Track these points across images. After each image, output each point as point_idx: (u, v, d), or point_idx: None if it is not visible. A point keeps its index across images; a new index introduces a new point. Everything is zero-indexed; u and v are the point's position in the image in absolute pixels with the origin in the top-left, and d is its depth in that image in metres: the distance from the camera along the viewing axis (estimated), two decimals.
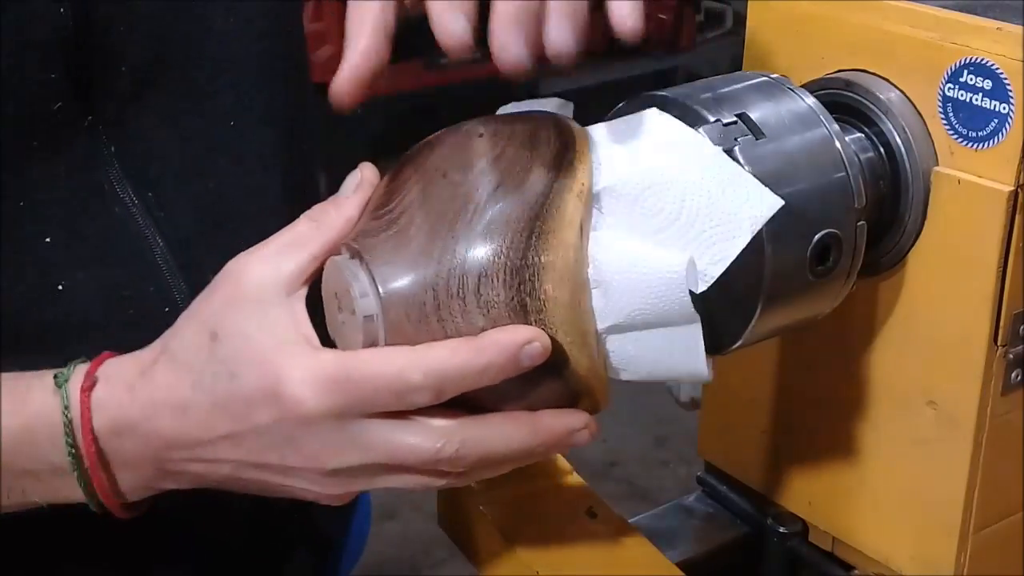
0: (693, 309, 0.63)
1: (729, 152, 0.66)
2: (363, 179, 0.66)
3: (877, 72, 0.74)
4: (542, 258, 0.61)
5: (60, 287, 0.73)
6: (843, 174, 0.69)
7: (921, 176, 0.73)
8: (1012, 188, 0.69)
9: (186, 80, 0.77)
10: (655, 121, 0.67)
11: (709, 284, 0.63)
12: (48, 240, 0.72)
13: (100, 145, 0.74)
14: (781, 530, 0.87)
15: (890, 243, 0.75)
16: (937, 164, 0.73)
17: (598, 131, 0.67)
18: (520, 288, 0.60)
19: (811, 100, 0.71)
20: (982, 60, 0.69)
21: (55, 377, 0.65)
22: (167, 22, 0.76)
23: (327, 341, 0.64)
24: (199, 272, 0.77)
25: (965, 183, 0.71)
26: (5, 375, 0.66)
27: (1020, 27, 0.69)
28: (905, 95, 0.73)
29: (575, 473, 0.90)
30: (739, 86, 0.71)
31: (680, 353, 0.65)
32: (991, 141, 0.70)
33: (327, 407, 0.60)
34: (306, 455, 0.62)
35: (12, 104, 0.69)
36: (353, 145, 3.38)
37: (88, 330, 0.73)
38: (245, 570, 0.87)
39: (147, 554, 0.79)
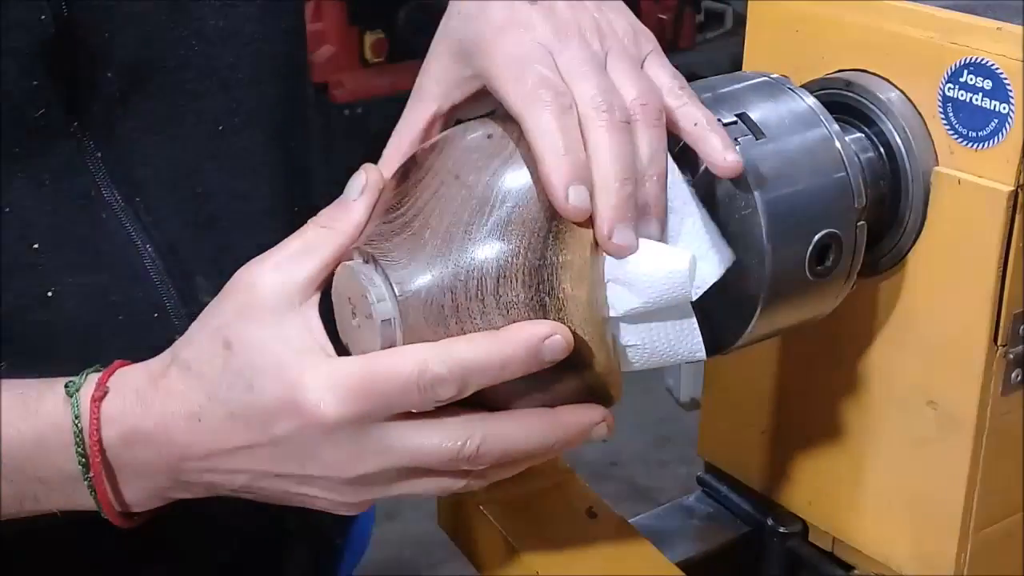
0: (692, 299, 0.63)
1: None
2: (369, 182, 0.65)
3: (877, 72, 0.75)
4: (560, 257, 0.61)
5: (49, 293, 0.73)
6: (843, 174, 0.69)
7: (921, 176, 0.73)
8: (1012, 188, 0.69)
9: (174, 83, 0.77)
10: None
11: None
12: (36, 246, 0.72)
13: (86, 150, 0.74)
14: (781, 530, 0.87)
15: (890, 243, 0.75)
16: (937, 164, 0.73)
17: None
18: (539, 287, 0.60)
19: (811, 100, 0.71)
20: (982, 60, 0.69)
21: (66, 386, 0.64)
22: (154, 25, 0.75)
23: (337, 344, 0.64)
24: (187, 277, 0.77)
25: (965, 183, 0.71)
26: (17, 381, 0.66)
27: (1020, 27, 0.69)
28: (905, 95, 0.73)
29: (575, 473, 0.90)
30: (739, 86, 0.71)
31: (680, 339, 0.65)
32: (991, 141, 0.70)
33: (349, 414, 0.59)
34: (327, 464, 0.61)
35: None
36: (353, 145, 3.38)
37: (77, 335, 0.73)
38: (242, 568, 0.87)
39: (141, 551, 0.79)
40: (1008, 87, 0.68)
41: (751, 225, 0.66)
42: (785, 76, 0.73)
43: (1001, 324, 0.72)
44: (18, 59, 0.69)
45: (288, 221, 0.82)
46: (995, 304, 0.71)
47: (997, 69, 0.69)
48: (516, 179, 0.62)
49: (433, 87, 0.68)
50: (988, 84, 0.69)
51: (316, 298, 0.64)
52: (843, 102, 0.75)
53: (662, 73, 0.66)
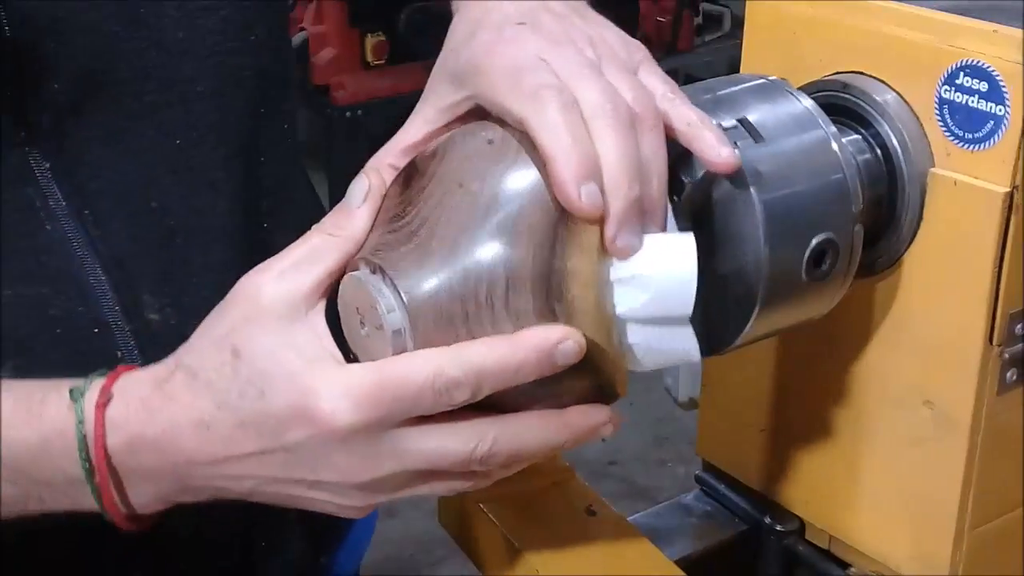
0: (693, 302, 0.64)
1: None
2: (372, 187, 0.65)
3: (874, 74, 0.75)
4: (567, 263, 0.61)
5: None
6: (841, 177, 0.70)
7: (917, 177, 0.73)
8: (1007, 189, 0.70)
9: (130, 95, 0.75)
10: None
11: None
12: None
13: (34, 160, 0.73)
14: (778, 528, 0.87)
15: (887, 244, 0.75)
16: (933, 165, 0.73)
17: None
18: (548, 294, 0.61)
19: (809, 102, 0.71)
20: (978, 62, 0.70)
21: (71, 391, 0.64)
22: (107, 35, 0.73)
23: (344, 351, 0.64)
24: (134, 293, 0.76)
25: (961, 184, 0.71)
26: (18, 382, 0.65)
27: (1016, 30, 0.69)
28: (902, 97, 0.74)
29: (574, 472, 0.91)
30: (738, 88, 0.72)
31: (676, 341, 0.66)
32: (987, 143, 0.70)
33: (363, 421, 0.59)
34: (340, 470, 0.61)
35: None
36: (353, 147, 3.38)
37: (15, 347, 0.72)
38: (239, 563, 0.87)
39: (133, 548, 0.79)
40: (1004, 89, 0.69)
41: (749, 228, 0.67)
42: (783, 78, 0.73)
43: (997, 324, 0.72)
44: None
45: (247, 238, 0.81)
46: (991, 304, 0.72)
47: (993, 71, 0.69)
48: (520, 186, 0.62)
49: (428, 110, 0.68)
50: (984, 86, 0.69)
51: (322, 305, 0.63)
52: (840, 104, 0.75)
53: (655, 79, 0.66)
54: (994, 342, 0.72)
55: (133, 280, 0.76)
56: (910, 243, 0.74)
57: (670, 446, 2.90)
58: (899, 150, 0.73)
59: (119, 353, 0.75)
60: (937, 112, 0.72)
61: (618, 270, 0.63)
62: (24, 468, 0.65)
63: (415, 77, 3.44)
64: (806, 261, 0.68)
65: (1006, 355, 0.73)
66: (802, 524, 0.87)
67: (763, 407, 0.88)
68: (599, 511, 0.87)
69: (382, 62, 3.40)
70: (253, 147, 0.82)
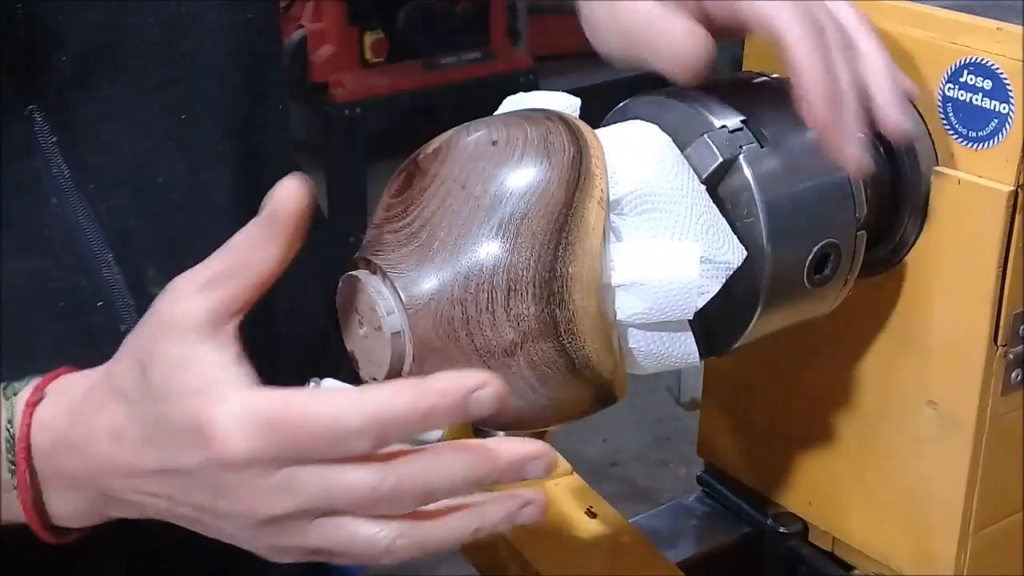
0: (694, 309, 0.64)
1: (733, 159, 0.66)
2: (289, 210, 0.60)
3: None
4: (570, 269, 0.61)
5: None
6: (844, 181, 0.69)
7: (921, 176, 0.73)
8: (1012, 188, 0.69)
9: (136, 69, 0.75)
10: (654, 140, 0.67)
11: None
12: None
13: (40, 133, 0.73)
14: (781, 530, 0.87)
15: (890, 243, 0.75)
16: (937, 164, 0.73)
17: (603, 136, 0.67)
18: (550, 300, 0.60)
19: None
20: (982, 60, 0.69)
21: (3, 388, 0.63)
22: (114, 9, 0.74)
23: (342, 354, 0.63)
24: (138, 267, 0.75)
25: (965, 183, 0.71)
26: None
27: (1020, 27, 0.69)
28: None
29: (575, 473, 0.91)
30: (742, 88, 0.71)
31: (676, 346, 0.66)
32: (991, 141, 0.70)
33: (256, 452, 0.56)
34: (235, 500, 0.58)
35: None
36: (352, 144, 3.38)
37: (12, 320, 0.71)
38: (234, 568, 0.87)
39: (110, 554, 0.79)
40: (1008, 87, 0.68)
41: (753, 233, 0.66)
42: (786, 76, 0.73)
43: (1001, 324, 0.72)
44: None
45: (248, 214, 0.83)
46: (995, 304, 0.71)
47: (997, 69, 0.69)
48: (523, 190, 0.62)
49: None
50: (988, 84, 0.69)
51: (236, 322, 0.61)
52: None
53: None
54: (998, 342, 0.72)
55: (137, 255, 0.76)
56: (914, 242, 0.74)
57: (671, 447, 2.89)
58: (902, 148, 0.73)
59: (122, 327, 0.74)
60: (941, 110, 0.72)
61: (619, 275, 0.62)
62: None
63: (414, 75, 3.44)
64: (808, 265, 0.68)
65: (1010, 355, 0.73)
66: (805, 526, 0.87)
67: (765, 408, 0.88)
68: (600, 512, 0.86)
69: (381, 60, 3.39)
70: (251, 126, 0.83)
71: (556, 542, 0.83)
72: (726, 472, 0.93)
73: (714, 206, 0.66)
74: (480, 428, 0.70)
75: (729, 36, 0.70)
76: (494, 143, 0.63)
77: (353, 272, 0.63)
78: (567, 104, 0.69)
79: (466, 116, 0.68)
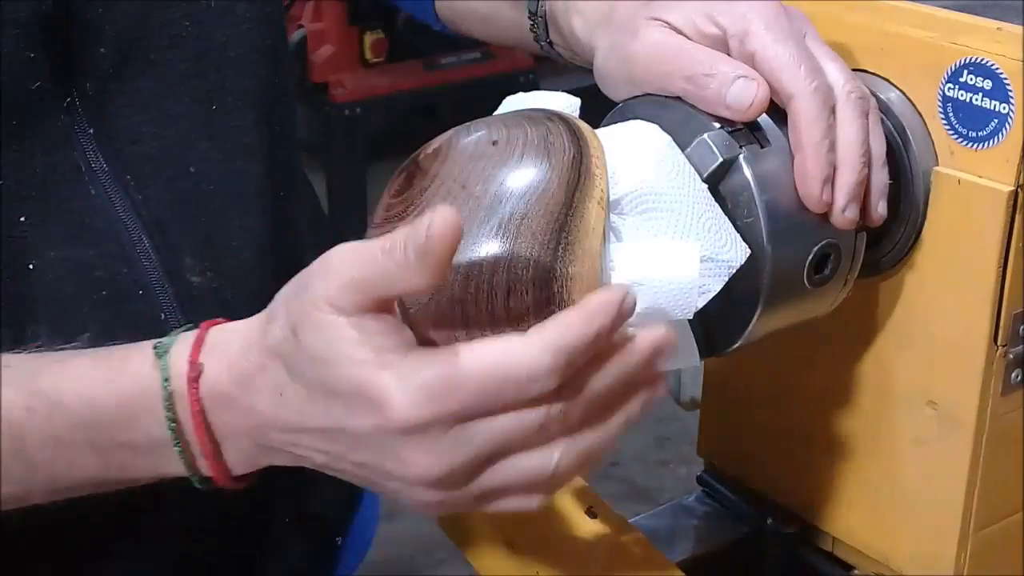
0: (694, 310, 0.64)
1: (733, 160, 0.66)
2: (445, 245, 0.56)
3: (877, 72, 0.75)
4: (570, 269, 0.61)
5: (31, 266, 0.72)
6: None
7: (921, 176, 0.73)
8: (1012, 188, 0.69)
9: (167, 61, 0.77)
10: (655, 139, 0.67)
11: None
12: (23, 219, 0.72)
13: (78, 125, 0.74)
14: (781, 530, 0.87)
15: (890, 243, 0.75)
16: (937, 164, 0.73)
17: (603, 136, 0.67)
18: (550, 300, 0.60)
19: None
20: (982, 60, 0.69)
21: (155, 347, 0.63)
22: (149, 2, 0.76)
23: None
24: (176, 255, 0.77)
25: (965, 183, 0.71)
26: (98, 349, 0.65)
27: (1020, 27, 0.69)
28: (905, 95, 0.73)
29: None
30: None
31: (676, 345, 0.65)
32: (991, 141, 0.70)
33: (427, 417, 0.56)
34: (403, 462, 0.58)
35: None
36: (352, 144, 3.38)
37: (57, 309, 0.72)
38: (238, 566, 0.87)
39: (137, 543, 0.79)
40: (1008, 87, 0.68)
41: (753, 233, 0.66)
42: None
43: (1001, 324, 0.72)
44: (16, 31, 0.69)
45: (275, 203, 0.83)
46: (995, 304, 0.71)
47: (997, 69, 0.69)
48: (523, 191, 0.62)
49: None
50: (988, 84, 0.69)
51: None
52: None
53: (825, 49, 0.71)
54: (998, 342, 0.72)
55: (174, 243, 0.77)
56: (914, 242, 0.74)
57: (672, 447, 2.89)
58: (902, 148, 0.73)
59: (162, 315, 0.76)
60: (941, 110, 0.72)
61: (619, 275, 0.62)
62: (105, 429, 0.64)
63: (414, 75, 3.44)
64: (808, 265, 0.68)
65: (1010, 355, 0.73)
66: (805, 526, 0.87)
67: (765, 408, 0.88)
68: (600, 512, 0.86)
69: (381, 60, 3.40)
70: (275, 116, 0.84)
71: (556, 542, 0.83)
72: (726, 472, 0.93)
73: (716, 205, 0.66)
74: None
75: None
76: (494, 143, 0.63)
77: None
78: (567, 104, 0.69)
79: (466, 116, 0.68)
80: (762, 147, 0.67)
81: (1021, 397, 0.75)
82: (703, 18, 0.70)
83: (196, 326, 0.64)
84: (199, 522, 0.81)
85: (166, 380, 0.62)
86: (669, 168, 0.66)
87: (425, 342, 0.61)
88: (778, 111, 0.68)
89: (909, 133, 0.73)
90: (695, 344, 0.66)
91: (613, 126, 0.70)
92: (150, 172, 0.77)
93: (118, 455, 0.64)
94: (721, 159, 0.66)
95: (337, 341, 0.57)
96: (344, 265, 0.58)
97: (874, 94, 0.73)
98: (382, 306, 0.58)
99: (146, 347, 0.64)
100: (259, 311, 0.63)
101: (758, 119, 0.68)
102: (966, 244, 0.72)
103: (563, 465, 0.59)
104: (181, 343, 0.64)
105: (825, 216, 0.68)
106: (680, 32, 0.70)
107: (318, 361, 0.58)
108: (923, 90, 0.72)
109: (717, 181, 0.66)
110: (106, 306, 0.74)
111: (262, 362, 0.61)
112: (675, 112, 0.68)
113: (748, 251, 0.66)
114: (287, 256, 0.66)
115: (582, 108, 0.69)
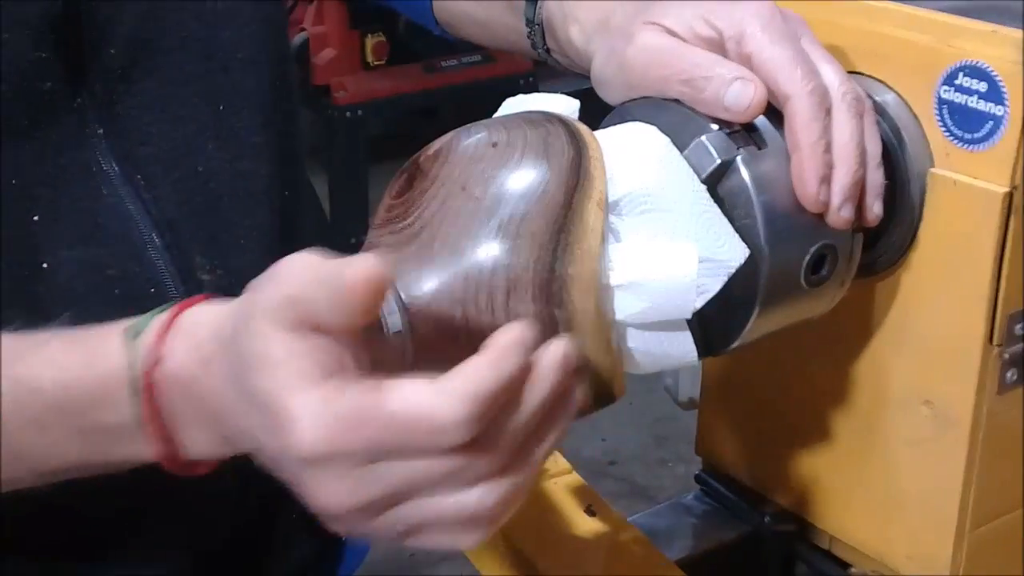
0: (692, 309, 0.64)
1: (730, 161, 0.66)
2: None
3: (873, 75, 0.75)
4: (569, 270, 0.61)
5: (44, 265, 0.73)
6: None
7: (917, 177, 0.73)
8: (1007, 189, 0.70)
9: (176, 62, 0.78)
10: (653, 141, 0.68)
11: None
12: (36, 218, 0.72)
13: (89, 125, 0.75)
14: (779, 528, 0.87)
15: (887, 244, 0.75)
16: (933, 166, 0.73)
17: (601, 138, 0.67)
18: (549, 300, 0.60)
19: None
20: (977, 63, 0.69)
21: (126, 331, 0.62)
22: (158, 3, 0.76)
23: None
24: (186, 254, 0.78)
25: (961, 184, 0.71)
26: (79, 330, 0.64)
27: (1015, 30, 0.69)
28: (901, 97, 0.74)
29: (574, 471, 0.91)
30: None
31: (674, 345, 0.66)
32: (986, 143, 0.70)
33: (333, 450, 0.53)
34: (311, 491, 0.56)
35: (2, 83, 0.69)
36: (353, 147, 3.38)
37: (71, 307, 0.72)
38: (240, 563, 0.87)
39: (140, 543, 0.80)
40: (1003, 89, 0.69)
41: (750, 234, 0.66)
42: None
43: (996, 324, 0.72)
44: (27, 31, 0.70)
45: (282, 203, 0.84)
46: (991, 304, 0.72)
47: (992, 72, 0.69)
48: (523, 192, 0.62)
49: None
50: (983, 86, 0.69)
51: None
52: None
53: (820, 51, 0.71)
54: (994, 342, 0.72)
55: (184, 242, 0.78)
56: (910, 243, 0.74)
57: (670, 446, 2.89)
58: (898, 150, 0.73)
59: None
60: (936, 112, 0.72)
61: (618, 276, 0.63)
62: (84, 413, 0.63)
63: (415, 77, 3.44)
64: (805, 266, 0.68)
65: (1006, 355, 0.73)
66: (802, 524, 0.87)
67: (763, 407, 0.88)
68: (599, 511, 0.87)
69: (382, 62, 3.40)
70: (281, 117, 0.85)
71: (555, 541, 0.84)
72: (724, 471, 0.93)
73: (715, 205, 0.66)
74: None
75: None
76: (494, 145, 0.64)
77: None
78: (566, 106, 0.69)
79: (466, 118, 0.68)
80: (759, 148, 0.68)
81: (1016, 396, 0.75)
82: (699, 21, 0.70)
83: (174, 305, 0.62)
84: (208, 521, 0.82)
85: (131, 365, 0.61)
86: (667, 169, 0.66)
87: (426, 343, 0.61)
88: (775, 113, 0.69)
89: (905, 135, 0.73)
90: (693, 344, 0.67)
91: (612, 128, 0.70)
92: (159, 172, 0.77)
93: (96, 439, 0.63)
94: (719, 160, 0.66)
95: (263, 353, 0.55)
96: (289, 278, 0.56)
97: (870, 96, 0.73)
98: (316, 326, 0.55)
99: (120, 329, 0.63)
100: None
101: (755, 121, 0.68)
102: (962, 245, 0.72)
103: (487, 505, 0.56)
104: (153, 326, 0.62)
105: (822, 217, 0.68)
106: (677, 35, 0.71)
107: (246, 367, 0.56)
108: (919, 92, 0.73)
109: (715, 182, 0.67)
110: (118, 304, 0.74)
111: (219, 349, 0.59)
112: (673, 114, 0.69)
113: (747, 251, 0.66)
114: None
115: (581, 110, 0.69)
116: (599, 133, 0.68)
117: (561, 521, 0.85)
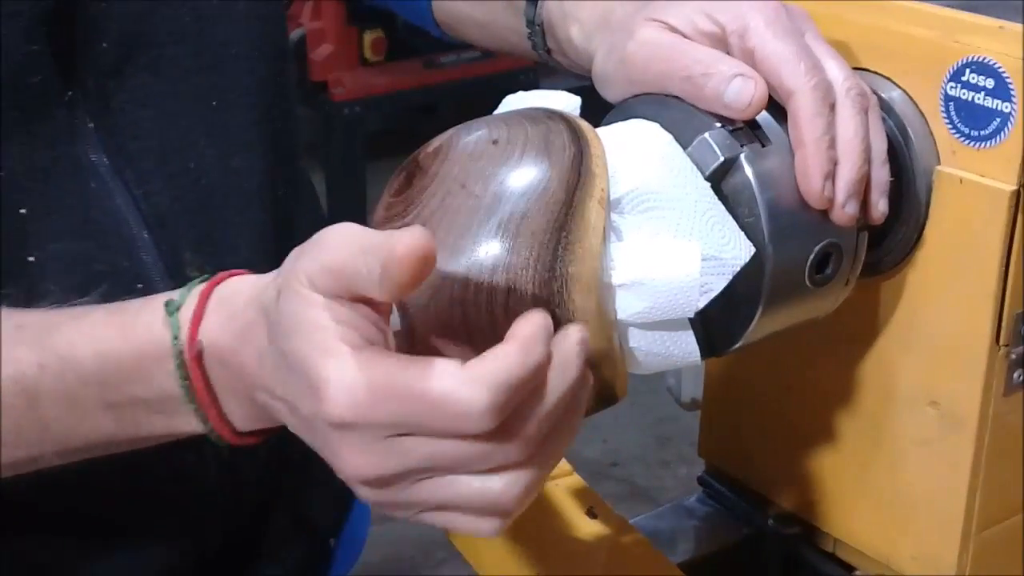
0: (694, 309, 0.63)
1: (734, 159, 0.66)
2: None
3: (879, 71, 0.74)
4: (569, 269, 0.60)
5: (31, 258, 0.72)
6: None
7: (923, 175, 0.73)
8: (1014, 187, 0.69)
9: (168, 58, 0.77)
10: (656, 138, 0.67)
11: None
12: (23, 212, 0.72)
13: (80, 120, 0.75)
14: (782, 531, 0.87)
15: (892, 242, 0.75)
16: (939, 163, 0.72)
17: (604, 135, 0.67)
18: (550, 300, 0.60)
19: None
20: (984, 59, 0.69)
21: (166, 305, 0.63)
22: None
23: None
24: (175, 250, 0.77)
25: (967, 182, 0.71)
26: (111, 304, 0.65)
27: (1022, 26, 0.69)
28: (907, 94, 0.73)
29: (575, 473, 0.90)
30: None
31: (677, 345, 0.66)
32: (993, 140, 0.70)
33: (362, 418, 0.54)
34: (338, 456, 0.57)
35: None
36: (351, 143, 3.39)
37: (58, 302, 0.71)
38: (232, 566, 0.87)
39: (132, 546, 0.79)
40: (1010, 86, 0.68)
41: (754, 232, 0.66)
42: None
43: (1003, 324, 0.71)
44: (19, 24, 0.70)
45: (275, 201, 0.83)
46: (997, 304, 0.71)
47: (999, 68, 0.68)
48: (524, 190, 0.61)
49: None
50: (990, 83, 0.69)
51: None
52: None
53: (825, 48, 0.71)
54: (1000, 342, 0.72)
55: (174, 238, 0.78)
56: (916, 242, 0.74)
57: (672, 447, 2.90)
58: (904, 147, 0.73)
59: None
60: (943, 109, 0.72)
61: (620, 275, 0.62)
62: (119, 385, 0.63)
63: (414, 74, 3.44)
64: (809, 265, 0.68)
65: (1013, 355, 0.73)
66: (806, 527, 0.87)
67: (766, 408, 0.88)
68: (600, 513, 0.86)
69: (380, 58, 3.40)
70: (276, 114, 0.85)
71: (556, 542, 0.83)
72: (727, 473, 0.93)
73: (719, 203, 0.66)
74: None
75: None
76: (494, 142, 0.63)
77: None
78: (568, 103, 0.69)
79: (466, 115, 0.68)
80: (763, 146, 0.67)
81: (1022, 397, 0.75)
82: (702, 16, 0.70)
83: (212, 276, 0.63)
84: (198, 524, 0.81)
85: (175, 338, 0.62)
86: (670, 167, 0.66)
87: (425, 343, 0.60)
88: (778, 110, 0.68)
89: (911, 132, 0.73)
90: (696, 344, 0.66)
91: (614, 125, 0.69)
92: (150, 168, 0.77)
93: (132, 412, 0.64)
94: (722, 158, 0.66)
95: (304, 317, 0.56)
96: (332, 246, 0.56)
97: (876, 93, 0.73)
98: (356, 296, 0.56)
99: (158, 303, 0.63)
100: None
101: (759, 118, 0.68)
102: (968, 244, 0.72)
103: (513, 494, 0.56)
104: (191, 299, 0.63)
105: (826, 215, 0.68)
106: (678, 31, 0.70)
107: (286, 331, 0.57)
108: (925, 89, 0.72)
109: (718, 180, 0.66)
110: (106, 299, 0.73)
111: (256, 318, 0.60)
112: (676, 111, 0.68)
113: (752, 249, 0.65)
114: (287, 254, 0.65)
115: (583, 107, 0.69)
116: (601, 130, 0.67)
117: (562, 523, 0.85)
